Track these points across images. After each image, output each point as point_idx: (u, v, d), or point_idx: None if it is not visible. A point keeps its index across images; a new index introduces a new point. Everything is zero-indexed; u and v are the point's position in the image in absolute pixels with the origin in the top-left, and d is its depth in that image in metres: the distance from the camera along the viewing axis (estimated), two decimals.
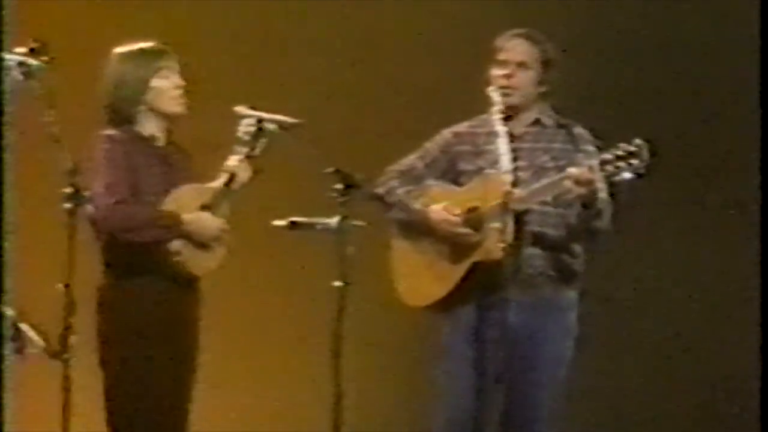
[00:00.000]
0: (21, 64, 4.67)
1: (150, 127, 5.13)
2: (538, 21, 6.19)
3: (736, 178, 7.19)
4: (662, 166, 6.23)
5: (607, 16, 7.28)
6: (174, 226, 5.04)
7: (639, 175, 5.02)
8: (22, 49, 4.69)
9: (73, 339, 4.67)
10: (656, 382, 7.21)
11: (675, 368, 7.24)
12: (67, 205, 4.68)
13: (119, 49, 5.17)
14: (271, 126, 5.16)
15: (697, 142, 7.27)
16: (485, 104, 5.23)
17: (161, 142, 5.15)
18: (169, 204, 5.04)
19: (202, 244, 5.08)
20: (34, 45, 4.69)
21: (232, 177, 5.08)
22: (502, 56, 5.27)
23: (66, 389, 4.66)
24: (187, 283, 5.10)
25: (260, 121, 5.13)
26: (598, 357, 6.17)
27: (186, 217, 5.04)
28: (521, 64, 5.27)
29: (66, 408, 4.68)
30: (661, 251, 7.26)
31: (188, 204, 5.07)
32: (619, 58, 7.29)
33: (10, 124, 4.61)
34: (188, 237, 5.06)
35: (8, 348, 4.76)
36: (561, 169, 5.12)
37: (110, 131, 5.09)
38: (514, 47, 5.28)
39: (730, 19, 7.07)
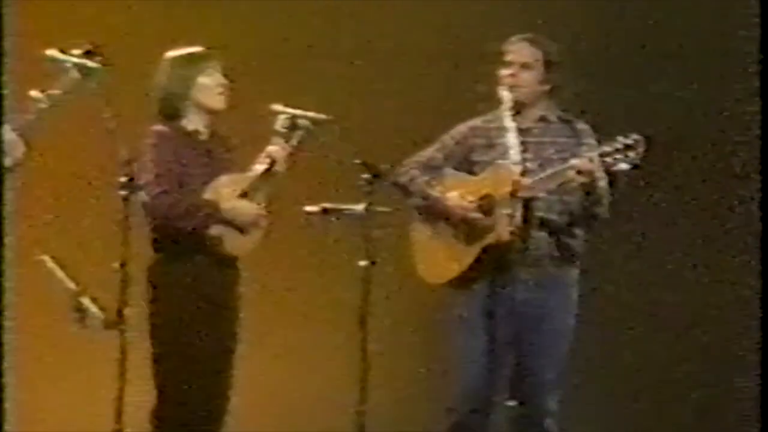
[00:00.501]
0: (78, 65, 4.70)
1: (195, 122, 5.19)
2: (546, 24, 6.26)
3: (736, 166, 7.08)
4: (663, 157, 6.21)
5: (610, 17, 7.20)
6: (213, 214, 5.09)
7: (635, 166, 5.09)
8: (78, 51, 4.73)
9: (127, 312, 4.72)
10: (652, 354, 7.18)
11: (671, 340, 7.22)
12: (122, 193, 4.73)
13: (170, 53, 5.25)
14: (304, 122, 5.15)
15: (696, 131, 7.18)
16: (496, 101, 5.31)
17: (205, 136, 5.21)
18: (210, 193, 5.11)
19: (240, 228, 5.13)
20: (89, 47, 4.73)
21: (272, 163, 5.13)
22: (508, 58, 5.33)
23: (121, 357, 4.72)
24: (227, 262, 5.17)
25: (295, 117, 5.16)
26: (598, 330, 6.19)
27: (225, 204, 5.09)
28: (525, 65, 5.32)
29: (122, 374, 4.74)
30: (658, 233, 7.20)
31: (227, 192, 5.13)
32: (621, 58, 7.22)
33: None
34: (227, 222, 5.11)
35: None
36: (565, 160, 5.19)
37: (159, 127, 5.17)
38: (519, 50, 5.34)
39: (730, 17, 6.94)
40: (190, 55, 5.24)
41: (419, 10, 7.16)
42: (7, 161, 4.63)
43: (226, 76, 5.23)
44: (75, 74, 4.68)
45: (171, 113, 5.17)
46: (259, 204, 5.18)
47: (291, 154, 5.15)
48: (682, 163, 7.16)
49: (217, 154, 5.23)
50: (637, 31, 7.28)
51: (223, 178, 5.14)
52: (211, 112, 5.22)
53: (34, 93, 4.63)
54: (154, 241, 5.14)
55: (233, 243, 5.14)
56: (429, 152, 5.49)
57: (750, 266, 6.87)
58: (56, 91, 4.65)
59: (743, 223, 6.90)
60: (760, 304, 6.43)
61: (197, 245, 5.10)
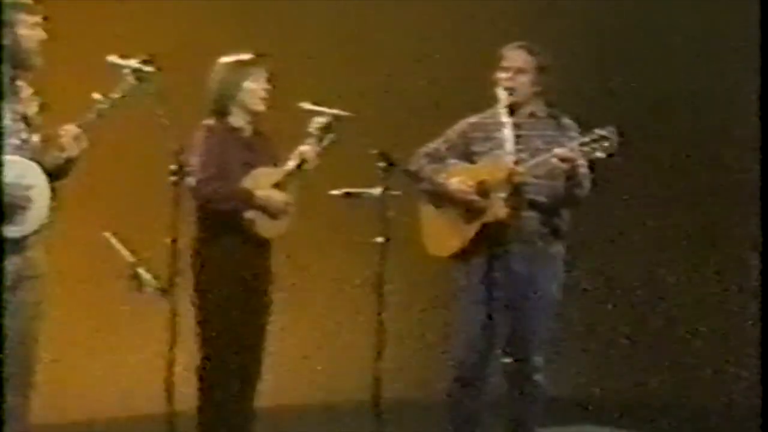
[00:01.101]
0: (135, 71, 4.74)
1: (239, 120, 5.29)
2: (542, 30, 6.38)
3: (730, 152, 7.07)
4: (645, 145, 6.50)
5: (604, 19, 7.30)
6: (248, 200, 5.19)
7: (610, 155, 5.13)
8: (136, 60, 4.76)
9: (177, 281, 4.77)
10: (626, 319, 7.40)
11: (643, 308, 7.41)
12: (173, 178, 4.76)
13: (223, 59, 5.33)
14: (328, 118, 5.24)
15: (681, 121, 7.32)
16: (493, 100, 5.38)
17: (248, 132, 5.31)
18: (248, 182, 5.21)
19: (271, 214, 5.24)
20: (146, 57, 4.77)
21: (303, 161, 5.23)
22: (505, 63, 5.41)
23: (172, 319, 4.79)
24: (260, 242, 5.27)
25: (326, 121, 5.25)
26: (580, 298, 6.27)
27: (259, 193, 5.20)
28: (519, 69, 5.38)
29: (172, 334, 4.79)
30: (635, 216, 7.35)
31: (263, 182, 5.23)
32: (620, 59, 7.40)
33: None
34: (260, 208, 5.21)
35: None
36: (551, 150, 5.24)
37: (209, 122, 5.27)
38: (515, 56, 5.41)
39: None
40: (239, 62, 5.30)
41: (428, 23, 7.29)
42: (73, 153, 4.66)
43: (269, 81, 5.30)
44: (132, 79, 4.73)
45: (219, 111, 5.28)
46: (289, 195, 5.26)
47: (320, 155, 5.25)
48: (661, 150, 7.27)
49: (257, 148, 5.32)
50: (630, 31, 7.33)
51: (260, 170, 5.25)
52: (253, 112, 5.30)
53: (96, 95, 4.67)
54: (199, 220, 5.25)
55: (265, 226, 5.24)
56: (435, 144, 5.55)
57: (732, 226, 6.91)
58: (115, 95, 4.70)
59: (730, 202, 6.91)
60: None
61: (234, 226, 5.20)
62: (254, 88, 5.27)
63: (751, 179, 5.60)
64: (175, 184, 4.79)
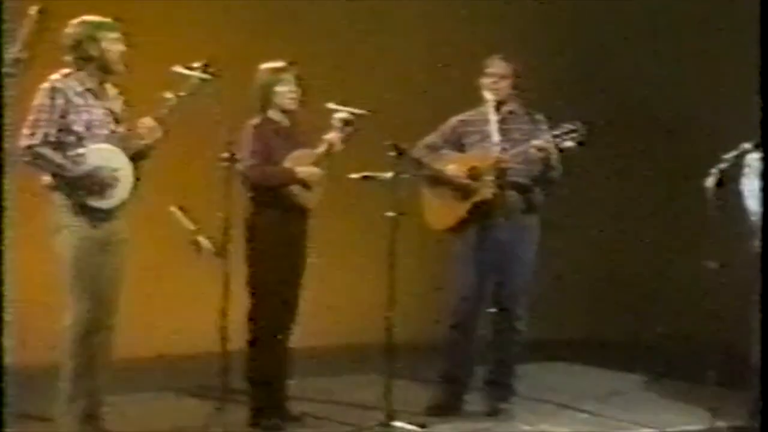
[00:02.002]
0: (197, 75, 4.91)
1: (277, 115, 5.47)
2: (542, 33, 6.93)
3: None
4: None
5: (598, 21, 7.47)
6: (290, 177, 5.36)
7: (580, 144, 5.34)
8: (197, 65, 4.96)
9: (229, 246, 4.99)
10: (588, 275, 7.69)
11: (601, 263, 7.72)
12: (225, 164, 5.01)
13: (262, 66, 5.47)
14: (349, 117, 5.36)
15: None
16: (481, 101, 5.63)
17: (285, 124, 5.48)
18: (288, 162, 5.41)
19: (308, 186, 5.39)
20: (205, 62, 4.97)
21: (330, 147, 5.40)
22: (489, 70, 5.63)
23: (226, 277, 5.00)
24: (300, 212, 5.45)
25: (347, 117, 5.35)
26: (550, 260, 6.27)
27: (299, 169, 5.38)
28: (501, 76, 5.60)
29: (226, 289, 5.00)
30: (597, 197, 7.67)
31: (301, 162, 5.40)
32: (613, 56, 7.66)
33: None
34: (301, 183, 5.38)
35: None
36: (528, 141, 5.48)
37: (254, 120, 5.44)
38: (497, 65, 5.62)
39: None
40: (271, 69, 5.45)
41: (432, 32, 7.61)
42: (149, 141, 4.90)
43: (298, 84, 5.42)
44: (195, 81, 4.94)
45: (260, 108, 5.46)
46: (322, 171, 5.42)
47: (343, 141, 5.39)
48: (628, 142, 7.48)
49: (293, 137, 5.47)
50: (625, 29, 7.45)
51: (298, 152, 5.43)
52: (285, 111, 5.46)
53: (167, 94, 4.89)
54: (249, 197, 5.39)
55: (304, 197, 5.41)
56: (432, 137, 5.74)
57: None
58: (182, 93, 4.90)
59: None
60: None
61: (280, 199, 5.35)
62: (284, 91, 5.41)
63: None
64: (227, 168, 5.02)
